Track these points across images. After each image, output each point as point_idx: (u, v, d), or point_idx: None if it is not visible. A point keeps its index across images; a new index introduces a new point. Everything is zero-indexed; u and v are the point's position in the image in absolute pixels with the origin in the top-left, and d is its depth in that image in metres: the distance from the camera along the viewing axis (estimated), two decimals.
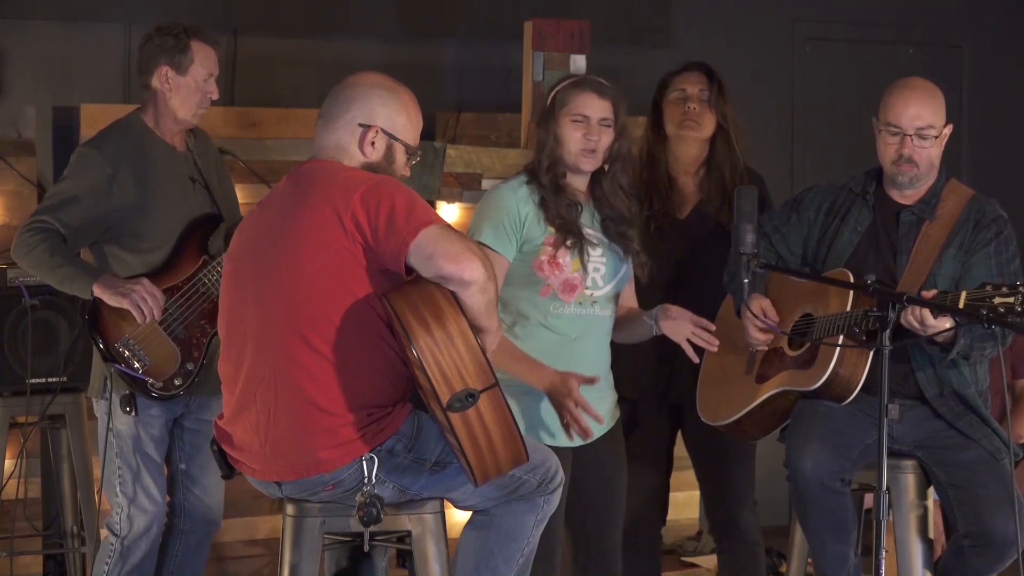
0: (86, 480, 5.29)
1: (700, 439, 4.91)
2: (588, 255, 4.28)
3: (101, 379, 4.59)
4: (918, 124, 4.34)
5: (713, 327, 4.31)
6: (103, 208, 4.50)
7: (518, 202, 4.26)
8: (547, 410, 4.26)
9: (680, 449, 5.03)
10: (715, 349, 4.33)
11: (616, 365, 4.45)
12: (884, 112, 4.38)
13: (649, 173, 4.95)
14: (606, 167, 4.33)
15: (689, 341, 4.29)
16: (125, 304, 4.43)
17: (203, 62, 4.57)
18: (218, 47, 4.64)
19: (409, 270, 3.56)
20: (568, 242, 4.25)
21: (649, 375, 4.89)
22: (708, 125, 4.91)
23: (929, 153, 4.37)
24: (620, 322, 4.43)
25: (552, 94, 4.32)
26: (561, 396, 4.19)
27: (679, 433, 5.03)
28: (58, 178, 4.71)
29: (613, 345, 4.44)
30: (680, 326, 4.29)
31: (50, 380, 5.18)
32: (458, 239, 3.56)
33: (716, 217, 4.90)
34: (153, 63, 4.56)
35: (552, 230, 4.26)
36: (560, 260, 4.26)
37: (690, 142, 4.93)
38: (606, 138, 4.28)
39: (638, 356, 4.74)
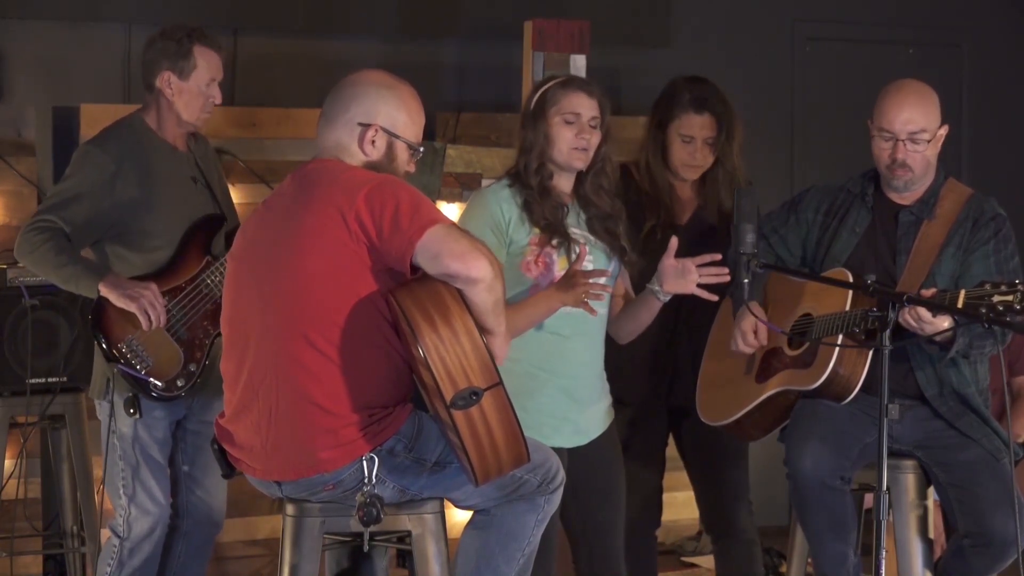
0: (86, 480, 5.28)
1: (695, 440, 4.92)
2: (576, 253, 4.26)
3: (103, 380, 4.58)
4: (911, 128, 4.33)
5: (718, 256, 4.21)
6: (106, 205, 4.50)
7: (501, 205, 4.25)
8: (546, 410, 4.25)
9: (672, 450, 5.04)
10: (727, 279, 4.21)
11: (613, 370, 4.43)
12: (877, 116, 4.37)
13: (650, 182, 4.94)
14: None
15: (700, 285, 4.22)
16: (132, 308, 4.43)
17: (206, 67, 4.56)
18: (222, 51, 4.63)
19: (414, 269, 3.56)
20: (554, 241, 4.25)
21: (646, 378, 4.89)
22: (708, 163, 4.91)
23: (923, 156, 4.37)
24: (625, 312, 4.40)
25: (538, 95, 4.29)
26: (571, 287, 4.13)
27: (670, 435, 5.03)
28: (59, 177, 4.70)
29: (609, 351, 4.42)
30: (684, 276, 4.21)
31: (50, 380, 5.17)
32: (464, 237, 3.56)
33: (714, 223, 4.90)
34: (155, 68, 4.56)
35: (536, 231, 4.25)
36: (546, 259, 4.25)
37: (689, 176, 4.95)
38: (595, 138, 4.27)
39: (634, 360, 4.74)
